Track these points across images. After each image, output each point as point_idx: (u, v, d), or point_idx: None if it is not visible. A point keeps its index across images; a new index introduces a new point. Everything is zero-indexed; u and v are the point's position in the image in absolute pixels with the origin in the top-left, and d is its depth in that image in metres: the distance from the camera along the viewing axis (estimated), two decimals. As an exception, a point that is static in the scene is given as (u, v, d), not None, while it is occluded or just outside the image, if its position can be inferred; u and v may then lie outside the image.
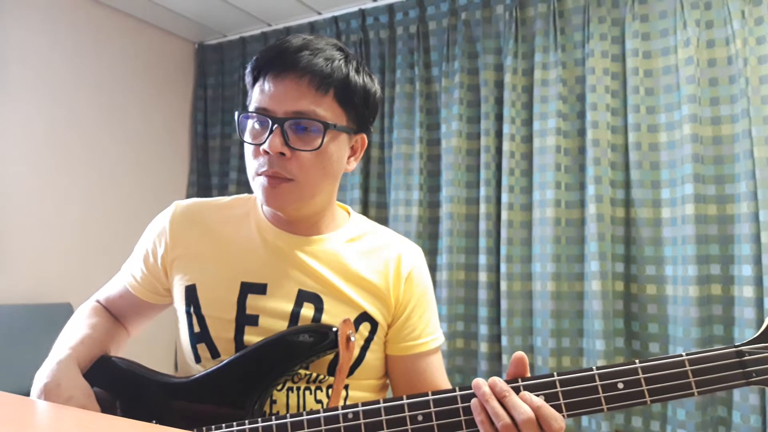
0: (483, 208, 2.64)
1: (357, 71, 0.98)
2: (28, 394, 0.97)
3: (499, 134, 2.67)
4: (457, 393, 0.80)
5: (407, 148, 2.85)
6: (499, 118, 2.68)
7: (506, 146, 2.59)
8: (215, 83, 3.55)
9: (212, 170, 3.53)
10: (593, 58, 2.47)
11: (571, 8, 2.58)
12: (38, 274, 2.75)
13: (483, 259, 2.62)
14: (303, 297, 0.99)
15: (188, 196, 3.45)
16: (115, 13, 3.16)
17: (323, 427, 0.82)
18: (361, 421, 0.81)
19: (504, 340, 2.53)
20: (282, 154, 0.93)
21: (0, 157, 2.65)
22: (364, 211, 2.92)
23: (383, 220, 2.87)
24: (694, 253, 2.20)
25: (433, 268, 2.71)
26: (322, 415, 0.83)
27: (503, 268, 2.55)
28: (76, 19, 2.97)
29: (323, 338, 0.94)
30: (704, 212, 2.24)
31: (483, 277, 2.61)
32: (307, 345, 0.94)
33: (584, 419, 2.41)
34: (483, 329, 2.59)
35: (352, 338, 0.95)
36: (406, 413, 0.80)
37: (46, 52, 2.84)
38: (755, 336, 0.74)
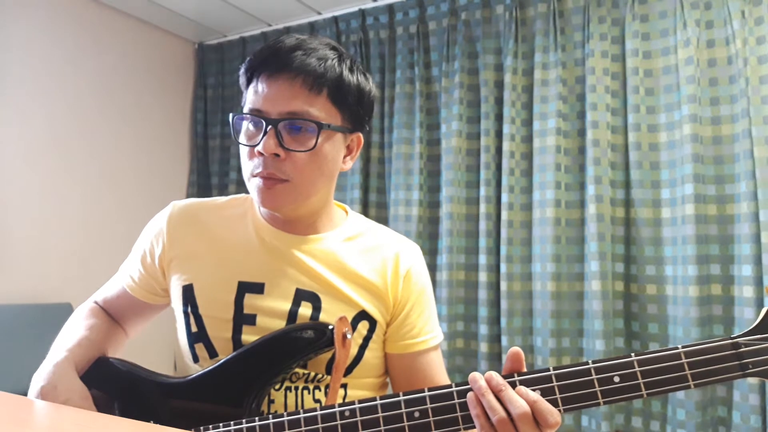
0: (483, 208, 2.64)
1: (351, 70, 0.98)
2: (27, 395, 0.97)
3: (499, 134, 2.67)
4: (454, 389, 0.80)
5: (407, 148, 2.86)
6: (499, 118, 2.68)
7: (506, 146, 2.59)
8: (215, 83, 3.55)
9: (212, 170, 3.53)
10: (593, 58, 2.47)
11: (571, 8, 2.58)
12: (38, 274, 2.75)
13: (483, 259, 2.62)
14: (301, 296, 0.99)
15: (188, 196, 3.46)
16: (115, 13, 3.16)
17: (320, 425, 0.82)
18: (358, 418, 0.81)
19: (504, 340, 2.53)
20: (277, 155, 0.93)
21: (0, 158, 2.65)
22: (364, 211, 2.92)
23: (383, 220, 2.87)
24: (694, 253, 2.20)
25: (433, 268, 2.71)
26: (318, 413, 0.83)
27: (503, 268, 2.55)
28: (76, 19, 2.97)
29: (319, 336, 0.93)
30: (704, 212, 2.24)
31: (483, 277, 2.61)
32: (303, 343, 0.94)
33: (584, 419, 2.40)
34: (483, 329, 2.59)
35: (349, 336, 0.95)
36: (403, 410, 0.80)
37: (47, 53, 2.84)
38: (751, 327, 0.74)
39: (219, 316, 0.99)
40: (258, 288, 0.99)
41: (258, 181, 0.95)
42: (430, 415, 0.79)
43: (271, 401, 0.95)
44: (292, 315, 0.98)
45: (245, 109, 0.97)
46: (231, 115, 0.99)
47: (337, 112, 0.97)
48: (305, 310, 0.98)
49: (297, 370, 0.96)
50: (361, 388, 1.02)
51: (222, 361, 0.95)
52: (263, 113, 0.94)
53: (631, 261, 2.43)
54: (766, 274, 2.08)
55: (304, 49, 0.95)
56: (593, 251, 2.38)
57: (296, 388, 0.96)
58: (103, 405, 0.98)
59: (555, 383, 0.77)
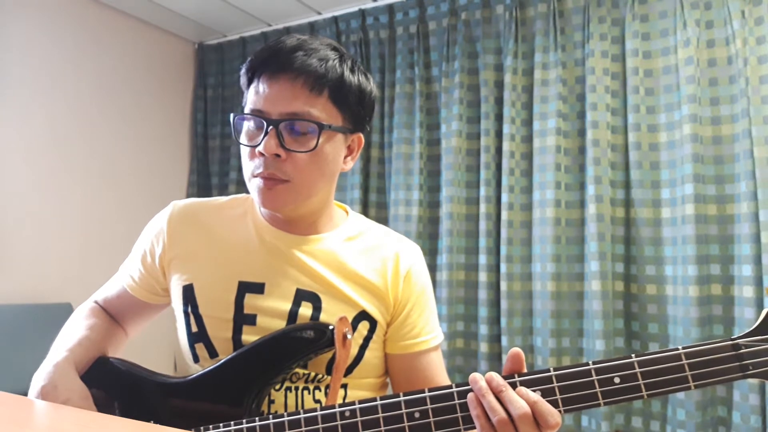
0: (483, 208, 2.64)
1: (352, 71, 0.98)
2: (27, 395, 0.97)
3: (499, 134, 2.68)
4: (454, 389, 0.80)
5: (407, 148, 2.86)
6: (499, 118, 2.68)
7: (506, 146, 2.59)
8: (215, 83, 3.56)
9: (212, 170, 3.53)
10: (593, 58, 2.47)
11: (571, 8, 2.58)
12: (38, 274, 2.75)
13: (483, 259, 2.62)
14: (301, 296, 0.99)
15: (188, 196, 3.46)
16: (115, 13, 3.16)
17: (320, 426, 0.82)
18: (358, 419, 0.81)
19: (504, 340, 2.53)
20: (277, 155, 0.93)
21: (0, 158, 2.65)
22: (364, 211, 2.92)
23: (383, 220, 2.87)
24: (694, 253, 2.20)
25: (433, 268, 2.71)
26: (319, 413, 0.83)
27: (503, 268, 2.55)
28: (76, 20, 2.97)
29: (320, 336, 0.93)
30: (704, 212, 2.24)
31: (483, 277, 2.61)
32: (304, 343, 0.94)
33: (584, 419, 2.41)
34: (483, 329, 2.59)
35: (349, 336, 0.95)
36: (403, 410, 0.80)
37: (47, 53, 2.84)
38: (752, 329, 0.74)
39: (219, 316, 0.99)
40: (258, 288, 0.99)
41: (259, 181, 0.95)
42: (431, 415, 0.79)
43: (271, 401, 0.95)
44: (293, 315, 0.98)
45: (246, 110, 0.96)
46: (232, 115, 0.99)
47: (338, 112, 0.97)
48: (305, 310, 0.98)
49: (297, 370, 0.95)
50: (361, 388, 1.02)
51: (222, 361, 0.95)
52: (264, 114, 0.94)
53: (631, 261, 2.43)
54: (766, 274, 2.08)
55: (305, 49, 0.95)
56: (593, 251, 2.38)
57: (296, 389, 0.96)
58: (103, 405, 0.98)
59: (555, 384, 0.76)
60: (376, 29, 3.04)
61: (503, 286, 2.54)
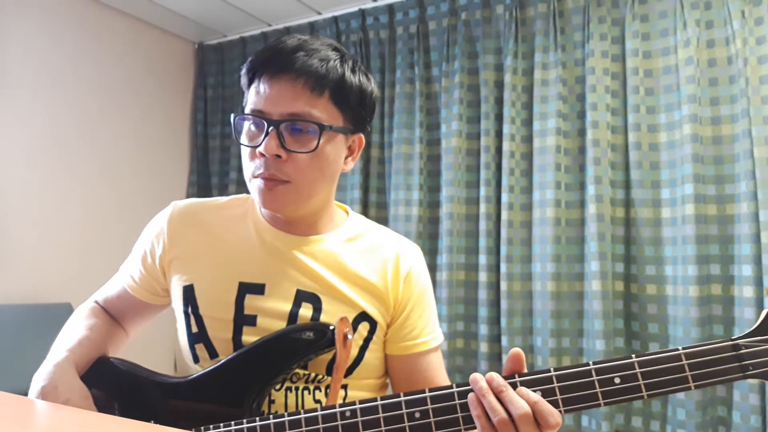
0: (483, 208, 2.64)
1: (353, 71, 0.98)
2: (27, 395, 0.97)
3: (499, 134, 2.67)
4: (455, 390, 0.80)
5: (407, 148, 2.86)
6: (499, 118, 2.68)
7: (506, 146, 2.59)
8: (215, 83, 3.56)
9: (212, 170, 3.53)
10: (593, 58, 2.47)
11: (571, 8, 2.58)
12: (38, 274, 2.75)
13: (483, 259, 2.62)
14: (301, 297, 0.99)
15: (188, 196, 3.45)
16: (115, 13, 3.16)
17: (321, 426, 0.82)
18: (359, 419, 0.81)
19: (504, 340, 2.53)
20: (278, 156, 0.92)
21: (0, 158, 2.65)
22: (364, 211, 2.92)
23: (383, 220, 2.87)
24: (694, 253, 2.20)
25: (433, 268, 2.71)
26: (319, 413, 0.83)
27: (503, 268, 2.55)
28: (76, 20, 2.97)
29: (320, 336, 0.93)
30: (704, 212, 2.24)
31: (483, 277, 2.61)
32: (304, 343, 0.94)
33: (584, 419, 2.41)
34: (483, 329, 2.59)
35: (350, 336, 0.95)
36: (404, 410, 0.80)
37: (47, 53, 2.84)
38: (752, 329, 0.74)
39: (219, 316, 0.99)
40: (258, 289, 0.99)
41: (259, 182, 0.95)
42: (431, 415, 0.79)
43: (271, 401, 0.95)
44: (293, 316, 0.98)
45: (247, 110, 0.96)
46: (232, 115, 0.99)
47: (338, 113, 0.97)
48: (306, 311, 0.98)
49: (297, 370, 0.96)
50: (361, 389, 1.02)
51: (222, 361, 0.95)
52: (265, 114, 0.93)
53: (631, 261, 2.43)
54: (766, 274, 2.08)
55: (306, 49, 0.94)
56: (593, 251, 2.38)
57: (297, 389, 0.96)
58: (104, 405, 0.98)
59: (556, 384, 0.77)
60: (376, 29, 3.04)
61: (503, 286, 2.54)
